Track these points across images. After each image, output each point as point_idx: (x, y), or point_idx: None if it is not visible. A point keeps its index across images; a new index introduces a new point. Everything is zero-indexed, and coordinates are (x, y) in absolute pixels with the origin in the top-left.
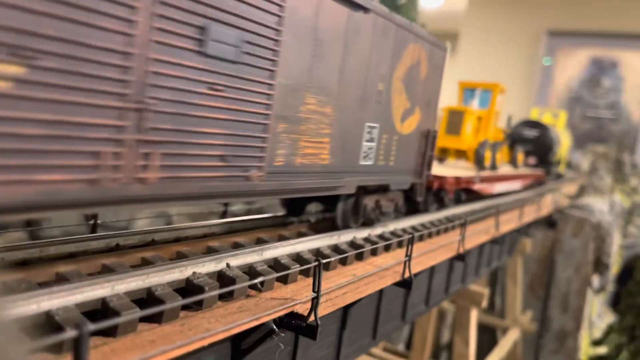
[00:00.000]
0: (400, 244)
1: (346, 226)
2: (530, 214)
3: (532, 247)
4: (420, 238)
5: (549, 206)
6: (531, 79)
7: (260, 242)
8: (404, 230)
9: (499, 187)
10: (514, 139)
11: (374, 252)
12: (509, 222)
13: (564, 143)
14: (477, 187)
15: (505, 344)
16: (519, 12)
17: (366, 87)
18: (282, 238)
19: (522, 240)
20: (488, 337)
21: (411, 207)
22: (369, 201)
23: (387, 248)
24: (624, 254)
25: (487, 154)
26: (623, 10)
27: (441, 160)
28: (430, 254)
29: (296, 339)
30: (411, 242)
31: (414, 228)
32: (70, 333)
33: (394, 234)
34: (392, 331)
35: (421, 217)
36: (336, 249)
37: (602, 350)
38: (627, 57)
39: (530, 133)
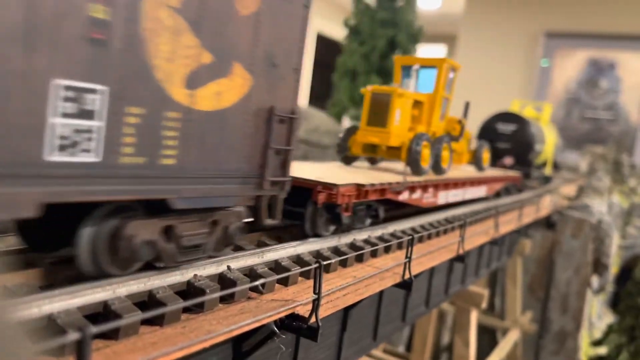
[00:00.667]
0: (400, 246)
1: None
2: (529, 215)
3: (532, 248)
4: (420, 239)
5: (548, 207)
6: (529, 81)
7: (260, 244)
8: (404, 232)
9: (447, 196)
10: (485, 135)
11: (373, 254)
12: (508, 223)
13: (548, 140)
14: (405, 197)
15: (505, 345)
16: (517, 14)
17: (40, 9)
18: (282, 240)
19: (521, 241)
20: (488, 338)
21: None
22: (143, 231)
23: (387, 249)
24: (623, 254)
25: (425, 152)
26: (621, 12)
27: (372, 161)
28: (430, 255)
29: (297, 340)
30: (411, 243)
31: (413, 229)
32: (73, 336)
33: (393, 235)
34: (392, 332)
35: (421, 219)
36: (336, 250)
37: (602, 350)
38: (625, 58)
39: (506, 128)
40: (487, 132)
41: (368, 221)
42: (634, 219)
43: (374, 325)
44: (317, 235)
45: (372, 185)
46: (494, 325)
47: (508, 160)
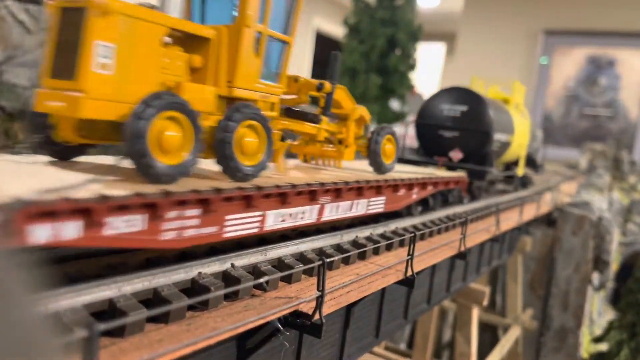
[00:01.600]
0: (402, 243)
1: None
2: (530, 212)
3: (532, 245)
4: (422, 237)
5: (549, 204)
6: (528, 79)
7: (263, 242)
8: (406, 229)
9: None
10: (426, 119)
11: (376, 252)
12: (509, 220)
13: (520, 130)
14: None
15: (506, 342)
16: (516, 12)
17: None
18: (285, 238)
19: (522, 239)
20: (489, 335)
21: None
22: None
23: (389, 247)
24: (624, 251)
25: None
26: (619, 9)
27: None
28: (431, 253)
29: (300, 338)
30: (413, 241)
31: (415, 227)
32: (80, 333)
33: (395, 233)
34: (394, 330)
35: (423, 217)
36: (339, 248)
37: (603, 347)
38: (624, 55)
39: (454, 110)
40: (429, 115)
41: None
42: (634, 216)
43: (376, 323)
44: None
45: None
46: (495, 323)
47: (455, 154)
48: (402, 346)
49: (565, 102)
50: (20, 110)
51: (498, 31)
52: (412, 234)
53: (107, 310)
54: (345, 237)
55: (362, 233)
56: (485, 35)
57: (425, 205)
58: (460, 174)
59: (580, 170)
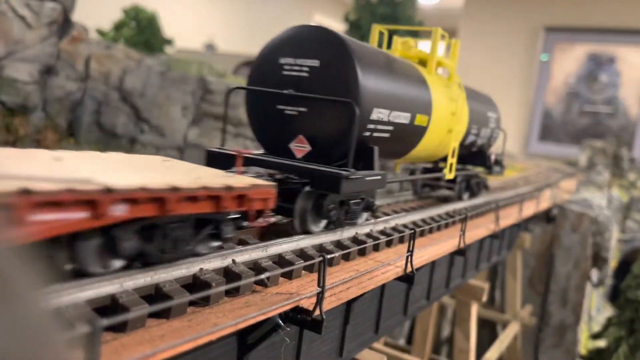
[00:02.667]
0: (401, 240)
1: None
2: (529, 208)
3: (531, 242)
4: (422, 233)
5: (548, 200)
6: (529, 75)
7: (264, 238)
8: (405, 226)
9: None
10: (259, 83)
11: (376, 248)
12: (508, 217)
13: (442, 108)
14: None
15: (505, 338)
16: (516, 8)
17: None
18: (285, 235)
19: (521, 235)
20: (488, 332)
21: None
22: None
23: (388, 244)
24: (623, 248)
25: None
26: (620, 6)
27: None
28: (431, 249)
29: (300, 333)
30: (413, 237)
31: (415, 223)
32: (83, 328)
33: (395, 229)
34: (394, 326)
35: (422, 213)
36: (339, 244)
37: (601, 343)
38: (624, 52)
39: (298, 65)
40: (261, 78)
41: None
42: (634, 213)
43: (376, 319)
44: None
45: None
46: (494, 319)
47: (298, 145)
48: (402, 342)
49: (565, 99)
50: (21, 105)
51: (498, 28)
52: (412, 231)
53: (109, 306)
54: (345, 233)
55: (362, 230)
56: (486, 31)
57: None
58: (265, 183)
59: (580, 168)
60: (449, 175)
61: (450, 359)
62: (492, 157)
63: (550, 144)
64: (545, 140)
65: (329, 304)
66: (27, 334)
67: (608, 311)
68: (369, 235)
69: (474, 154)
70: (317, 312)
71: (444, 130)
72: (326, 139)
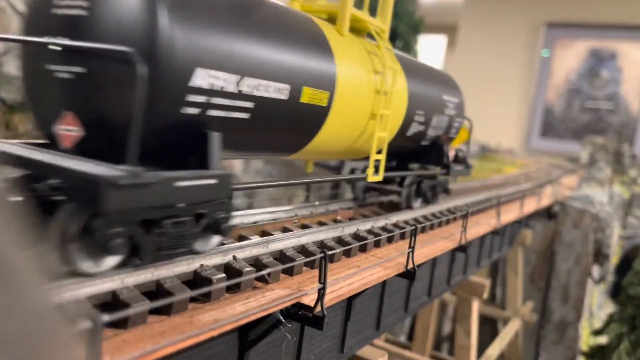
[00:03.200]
0: (403, 236)
1: None
2: (531, 205)
3: (533, 238)
4: (423, 230)
5: (549, 197)
6: (530, 71)
7: (265, 234)
8: (407, 222)
9: None
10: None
11: (377, 244)
12: (509, 213)
13: (351, 79)
14: None
15: (506, 334)
16: (517, 4)
17: None
18: (286, 230)
19: (522, 232)
20: (489, 328)
21: None
22: None
23: (390, 240)
24: (624, 244)
25: None
26: (621, 2)
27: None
28: (432, 246)
29: (301, 330)
30: (414, 233)
31: (416, 220)
32: (85, 324)
33: (396, 225)
34: (395, 322)
35: (424, 210)
36: (340, 240)
37: (603, 340)
38: (626, 48)
39: (67, 4)
40: (34, 18)
41: None
42: (635, 209)
43: (377, 315)
44: None
45: None
46: (495, 315)
47: (65, 127)
48: (403, 338)
49: (566, 95)
50: (20, 102)
51: (499, 23)
52: (414, 227)
53: (110, 302)
54: (346, 229)
55: (364, 226)
56: (487, 27)
57: None
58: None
59: (581, 164)
60: (373, 177)
61: (451, 356)
62: (451, 154)
63: (551, 140)
64: (546, 137)
65: (330, 300)
66: (31, 327)
67: (609, 308)
68: (370, 231)
69: (425, 149)
70: (319, 308)
71: (364, 113)
72: (113, 118)
